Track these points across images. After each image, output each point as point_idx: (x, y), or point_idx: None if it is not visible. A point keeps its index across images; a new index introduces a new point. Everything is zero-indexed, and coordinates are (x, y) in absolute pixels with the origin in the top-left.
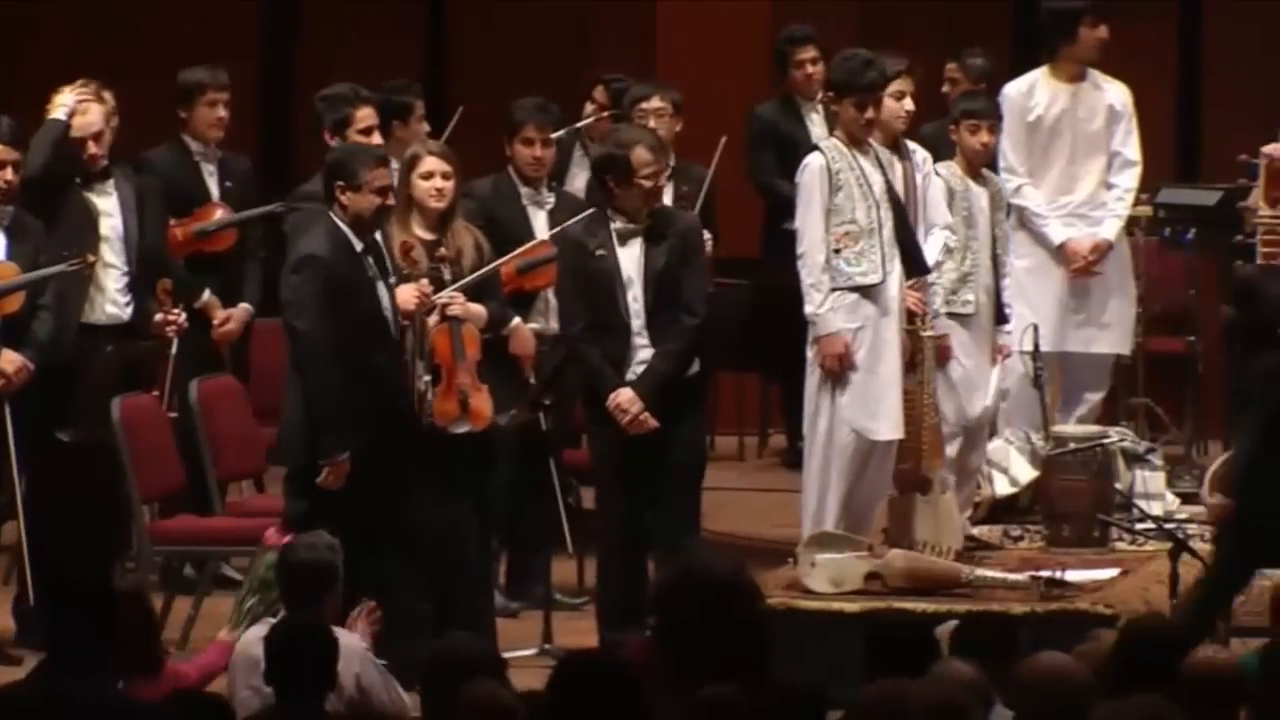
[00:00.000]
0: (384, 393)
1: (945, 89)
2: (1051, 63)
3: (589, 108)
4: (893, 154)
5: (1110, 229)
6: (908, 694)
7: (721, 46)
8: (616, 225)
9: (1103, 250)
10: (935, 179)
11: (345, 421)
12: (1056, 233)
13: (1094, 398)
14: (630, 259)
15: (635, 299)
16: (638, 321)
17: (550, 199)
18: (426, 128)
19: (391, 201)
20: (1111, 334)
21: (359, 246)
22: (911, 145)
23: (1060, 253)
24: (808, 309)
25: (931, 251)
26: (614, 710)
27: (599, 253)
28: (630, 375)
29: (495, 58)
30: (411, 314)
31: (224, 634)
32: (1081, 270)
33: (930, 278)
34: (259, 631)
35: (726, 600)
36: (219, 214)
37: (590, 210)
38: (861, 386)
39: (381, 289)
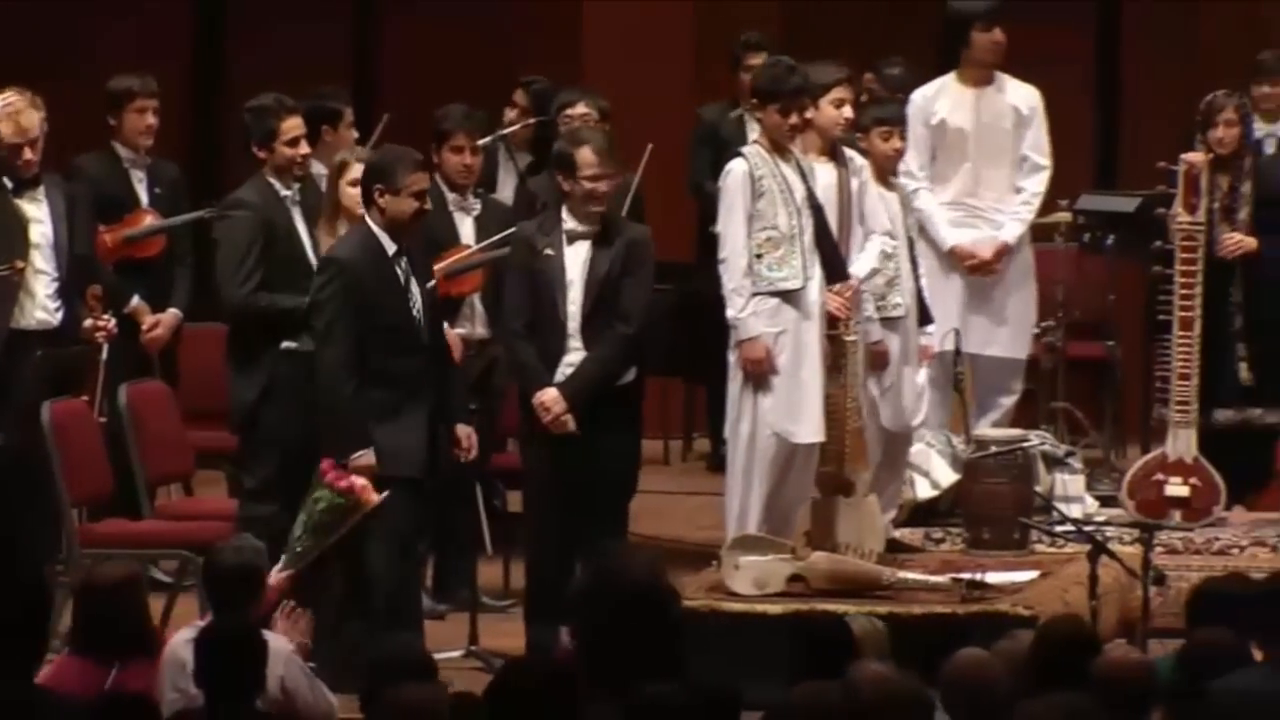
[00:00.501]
0: (402, 395)
1: (863, 98)
2: (957, 68)
3: (510, 113)
4: (830, 160)
5: (1010, 232)
6: (830, 697)
7: (647, 56)
8: (568, 226)
9: (1000, 253)
10: (872, 186)
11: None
12: (946, 236)
13: (1006, 402)
14: (575, 261)
15: (574, 301)
16: (573, 324)
17: (477, 206)
18: (355, 134)
19: (429, 206)
20: (1008, 337)
21: (391, 250)
22: (849, 152)
23: (950, 256)
24: (729, 313)
25: (869, 257)
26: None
27: (547, 252)
28: (559, 376)
29: (422, 62)
30: None
31: (273, 575)
32: (976, 271)
33: (866, 284)
34: (187, 634)
35: (643, 602)
36: (148, 220)
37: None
38: (783, 390)
39: (414, 293)
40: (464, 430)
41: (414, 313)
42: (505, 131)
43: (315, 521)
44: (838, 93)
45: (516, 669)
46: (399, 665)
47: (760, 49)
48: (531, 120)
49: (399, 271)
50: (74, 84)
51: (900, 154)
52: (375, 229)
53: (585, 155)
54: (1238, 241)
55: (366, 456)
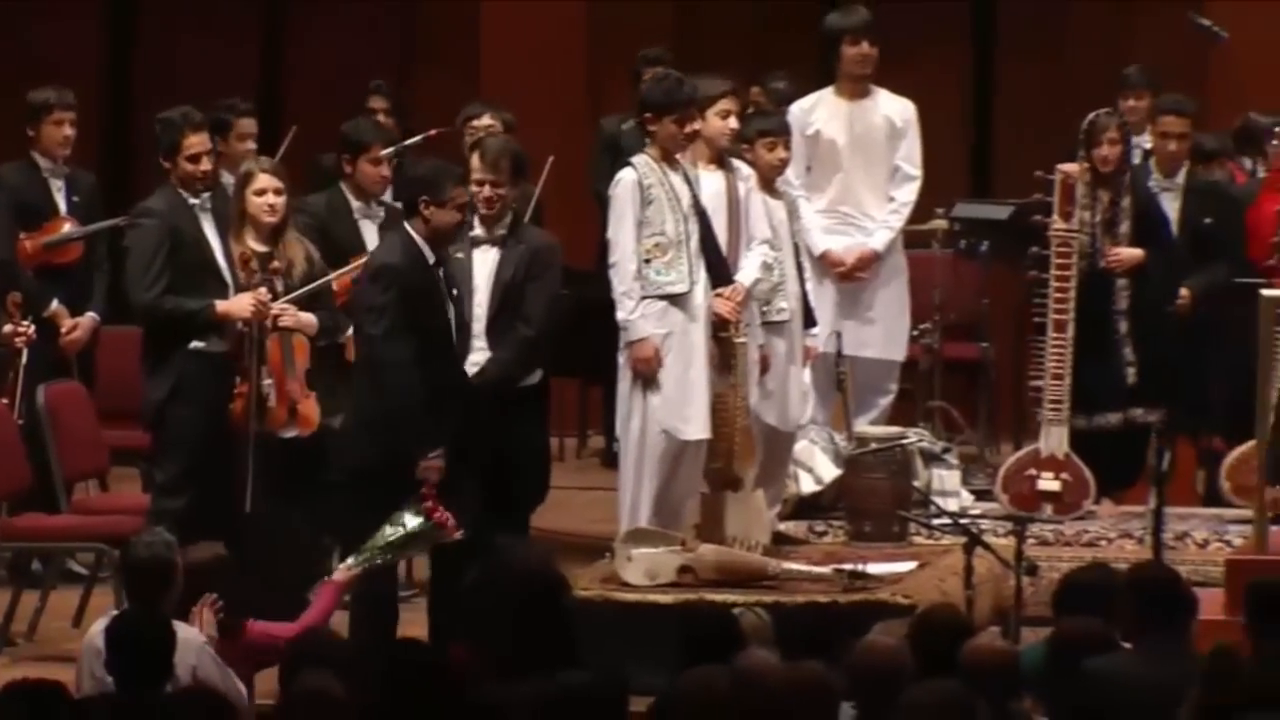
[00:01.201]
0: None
1: (750, 110)
2: (834, 81)
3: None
4: (718, 169)
5: (880, 240)
6: (718, 683)
7: (544, 73)
8: (474, 232)
9: (867, 260)
10: (757, 195)
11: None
12: (818, 242)
13: (883, 401)
14: (482, 265)
15: (480, 304)
16: (479, 325)
17: (381, 214)
18: (251, 145)
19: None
20: (882, 339)
21: (432, 259)
22: (736, 162)
23: (821, 262)
24: (619, 315)
25: (752, 264)
26: (440, 702)
27: (456, 255)
28: None
29: (326, 75)
30: (249, 320)
31: (340, 572)
32: (845, 277)
33: (754, 289)
34: (103, 624)
35: (534, 594)
36: (66, 227)
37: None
38: (671, 389)
39: (449, 303)
40: None
41: (450, 322)
42: (408, 143)
43: (400, 540)
44: (723, 104)
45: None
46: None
47: (659, 63)
48: (433, 132)
49: (439, 280)
50: None
51: (785, 164)
52: (417, 238)
53: (474, 161)
54: (1120, 256)
55: (439, 459)
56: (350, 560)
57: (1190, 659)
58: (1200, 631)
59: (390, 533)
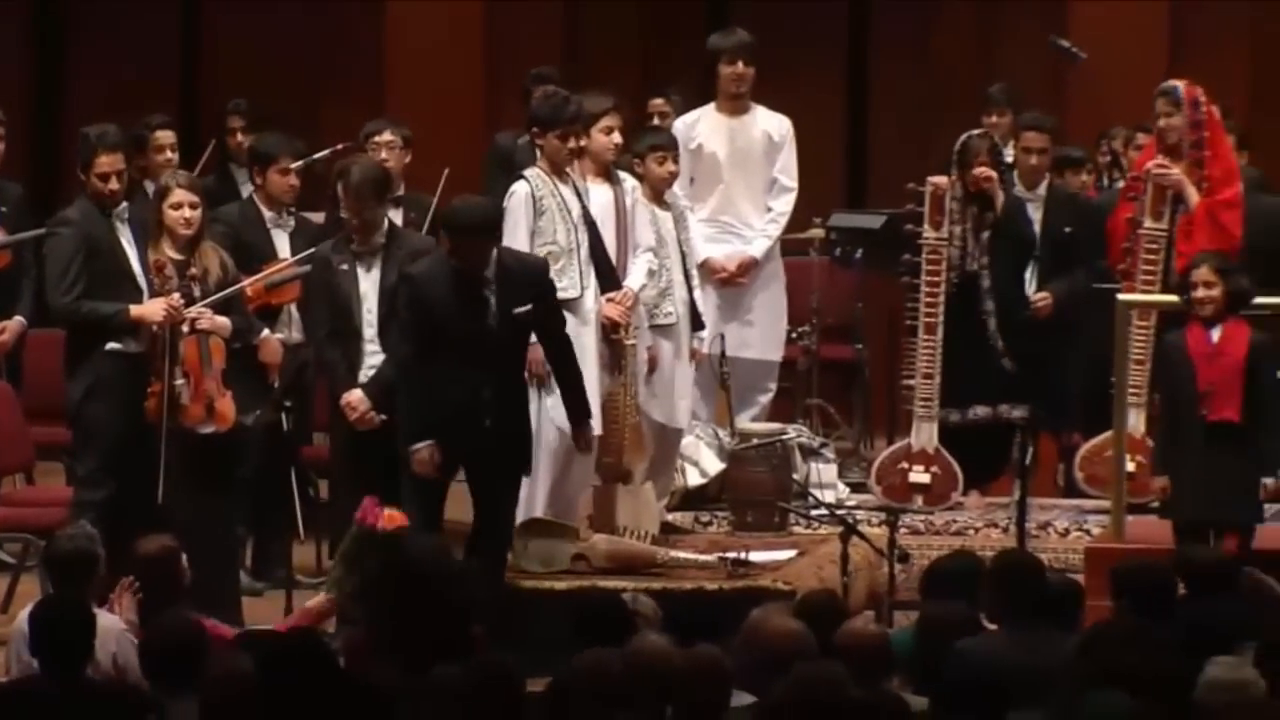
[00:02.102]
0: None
1: (656, 121)
2: (716, 98)
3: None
4: (605, 181)
5: (758, 248)
6: (610, 663)
7: (443, 89)
8: (355, 246)
9: (746, 266)
10: (643, 205)
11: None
12: (700, 250)
13: (763, 399)
14: (367, 275)
15: (370, 310)
16: (370, 330)
17: (291, 223)
18: (170, 155)
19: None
20: (760, 340)
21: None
22: (622, 174)
23: (702, 268)
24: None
25: (639, 271)
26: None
27: (342, 268)
28: (363, 377)
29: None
30: (161, 324)
31: (315, 600)
32: (725, 282)
33: (641, 294)
34: (27, 609)
35: (427, 585)
36: None
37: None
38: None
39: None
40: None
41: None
42: (316, 157)
43: (343, 552)
44: (607, 121)
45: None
46: None
47: (548, 81)
48: (340, 146)
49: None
50: None
51: (674, 176)
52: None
53: (339, 190)
54: (1047, 302)
55: (424, 450)
56: (324, 590)
57: (1055, 639)
58: None
59: (339, 557)
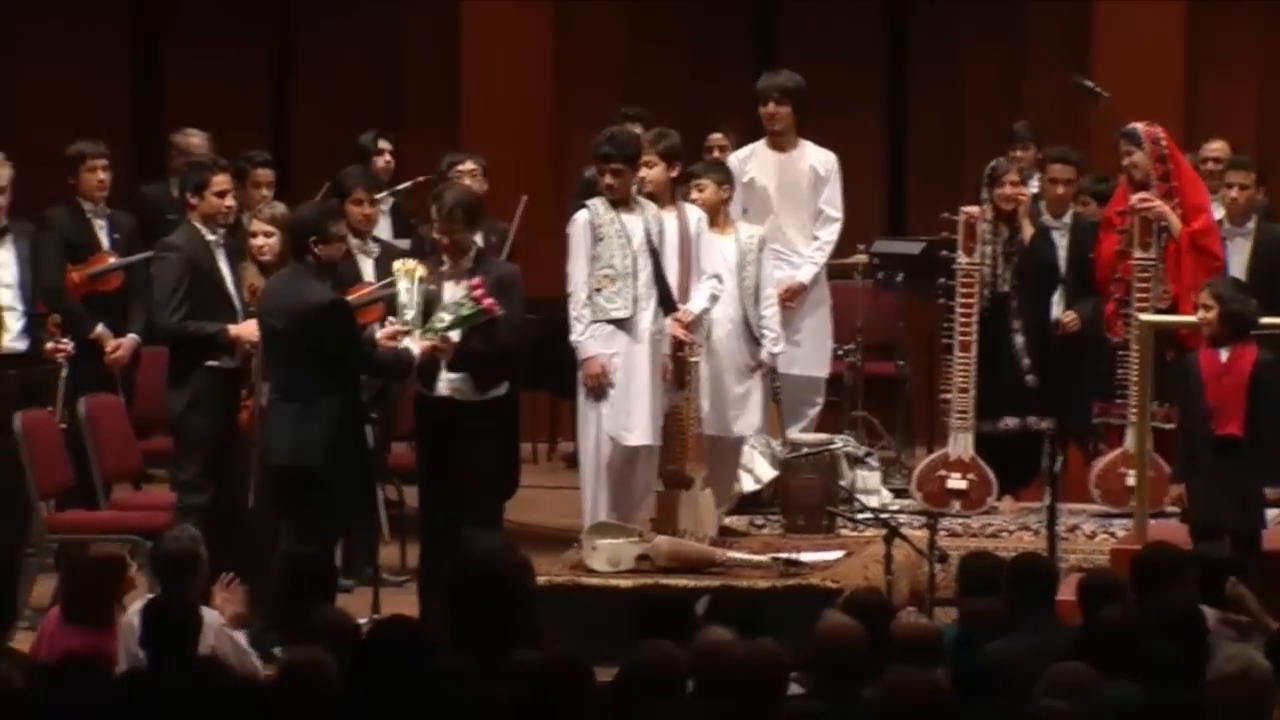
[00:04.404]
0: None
1: (716, 154)
2: (767, 135)
3: (378, 160)
4: (672, 210)
5: (805, 274)
6: (673, 654)
7: (516, 126)
8: (444, 267)
9: (794, 291)
10: (707, 234)
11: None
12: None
13: (811, 412)
14: (452, 296)
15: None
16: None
17: (376, 249)
18: (264, 193)
19: None
20: (808, 358)
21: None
22: (687, 205)
23: None
24: (571, 337)
25: (701, 296)
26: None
27: (430, 289)
28: (442, 388)
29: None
30: (255, 343)
31: (419, 343)
32: None
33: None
34: (138, 606)
35: (497, 581)
36: (109, 260)
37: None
38: (617, 401)
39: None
40: None
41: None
42: (400, 188)
43: (458, 316)
44: (646, 156)
45: (384, 627)
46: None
47: (636, 119)
48: (421, 178)
49: None
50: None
51: (704, 204)
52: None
53: (432, 212)
54: (1074, 320)
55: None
56: (419, 335)
57: (1061, 633)
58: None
59: (449, 314)
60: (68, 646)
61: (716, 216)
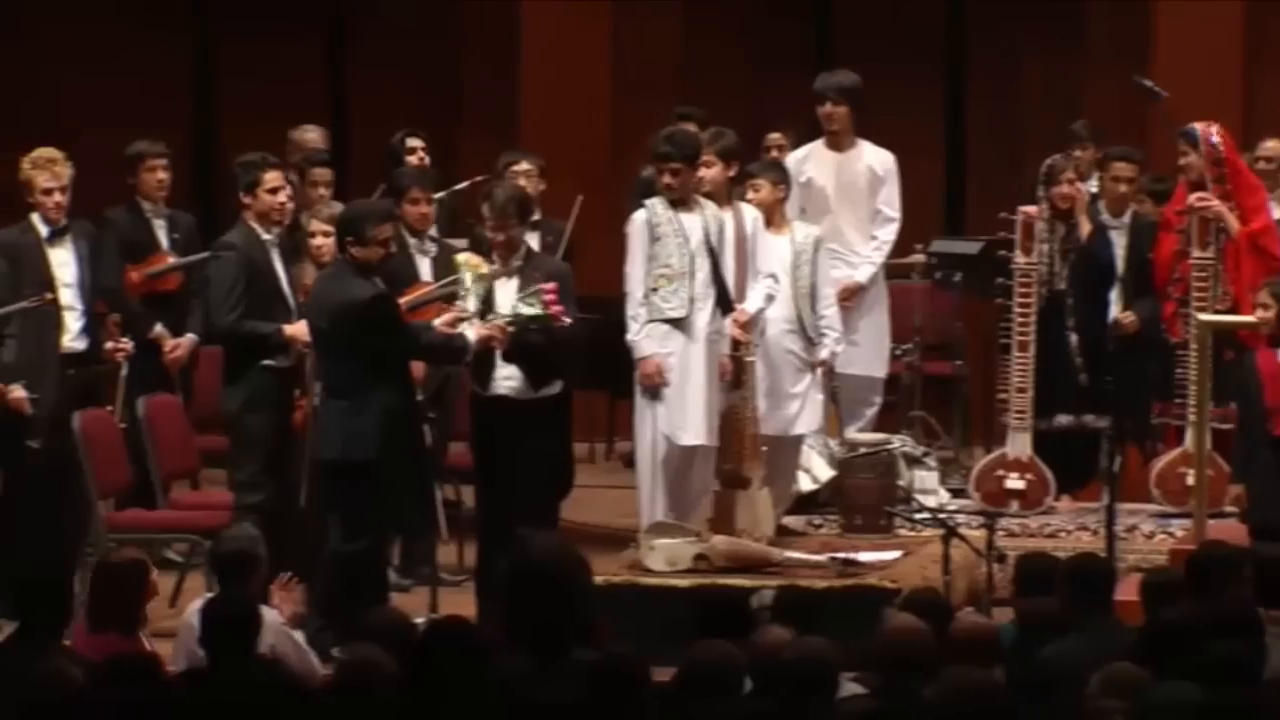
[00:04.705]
0: None
1: (774, 154)
2: (825, 135)
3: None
4: (729, 210)
5: (863, 274)
6: (730, 653)
7: (572, 126)
8: (494, 265)
9: (851, 291)
10: (763, 234)
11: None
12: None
13: (869, 412)
14: (507, 293)
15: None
16: (507, 345)
17: (433, 248)
18: (322, 192)
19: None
20: (866, 358)
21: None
22: (744, 205)
23: None
24: (627, 336)
25: (757, 296)
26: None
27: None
28: (499, 386)
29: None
30: (308, 344)
31: (485, 328)
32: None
33: (760, 316)
34: (197, 605)
35: (554, 581)
36: (168, 260)
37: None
38: (673, 401)
39: None
40: None
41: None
42: (458, 188)
43: (522, 315)
44: (705, 156)
45: (434, 630)
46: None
47: (691, 119)
48: (479, 178)
49: None
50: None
51: (760, 203)
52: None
53: (484, 209)
54: (1132, 320)
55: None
56: (490, 319)
57: (1118, 633)
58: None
59: (518, 309)
60: (97, 652)
61: (772, 216)
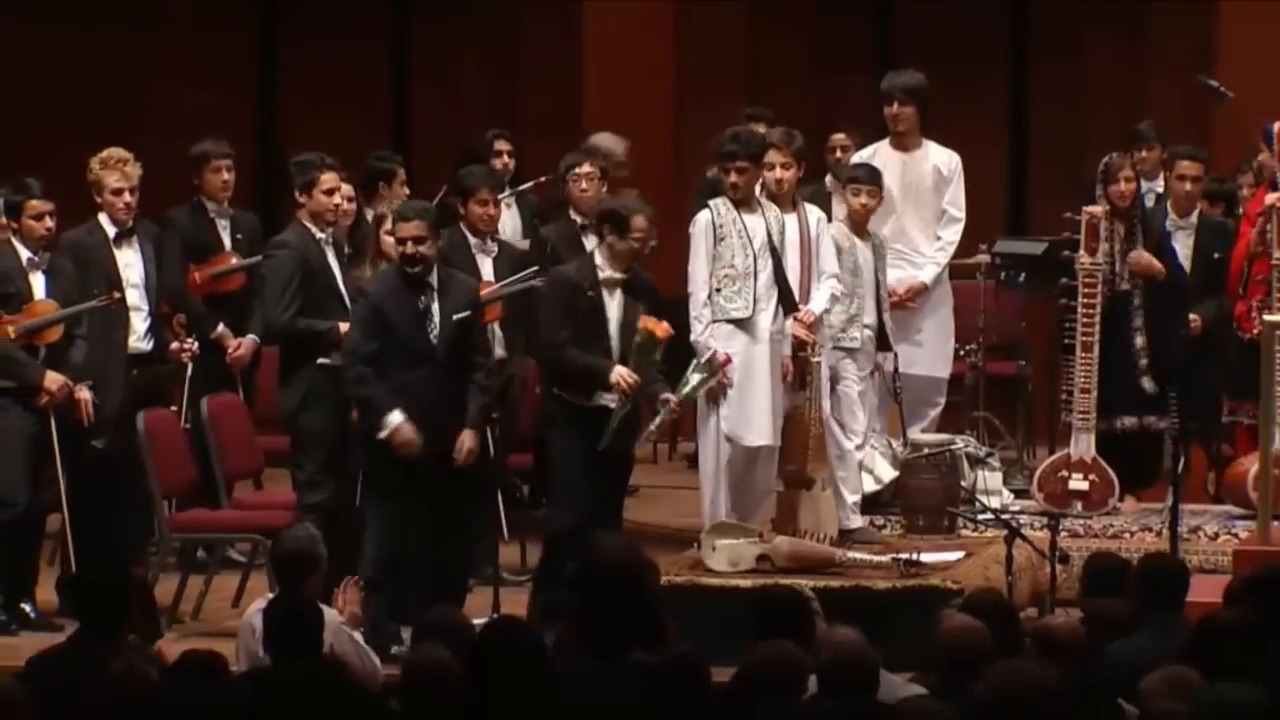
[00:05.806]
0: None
1: (838, 155)
2: (891, 135)
3: (495, 162)
4: (793, 211)
5: (928, 274)
6: (794, 653)
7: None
8: (605, 274)
9: (916, 290)
10: (826, 235)
11: None
12: None
13: (932, 412)
14: (613, 301)
15: (613, 336)
16: (615, 354)
17: (494, 249)
18: (407, 191)
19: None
20: (929, 358)
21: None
22: (808, 206)
23: None
24: (691, 336)
25: (821, 297)
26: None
27: (589, 293)
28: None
29: (447, 138)
30: None
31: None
32: (897, 306)
33: (825, 317)
34: (259, 605)
35: (620, 582)
36: (231, 261)
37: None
38: (736, 402)
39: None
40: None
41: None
42: (522, 188)
43: (692, 386)
44: (769, 157)
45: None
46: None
47: (760, 119)
48: (543, 179)
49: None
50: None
51: (866, 209)
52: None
53: (639, 221)
54: (1140, 260)
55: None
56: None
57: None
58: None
59: (687, 386)
60: None
61: (860, 220)
